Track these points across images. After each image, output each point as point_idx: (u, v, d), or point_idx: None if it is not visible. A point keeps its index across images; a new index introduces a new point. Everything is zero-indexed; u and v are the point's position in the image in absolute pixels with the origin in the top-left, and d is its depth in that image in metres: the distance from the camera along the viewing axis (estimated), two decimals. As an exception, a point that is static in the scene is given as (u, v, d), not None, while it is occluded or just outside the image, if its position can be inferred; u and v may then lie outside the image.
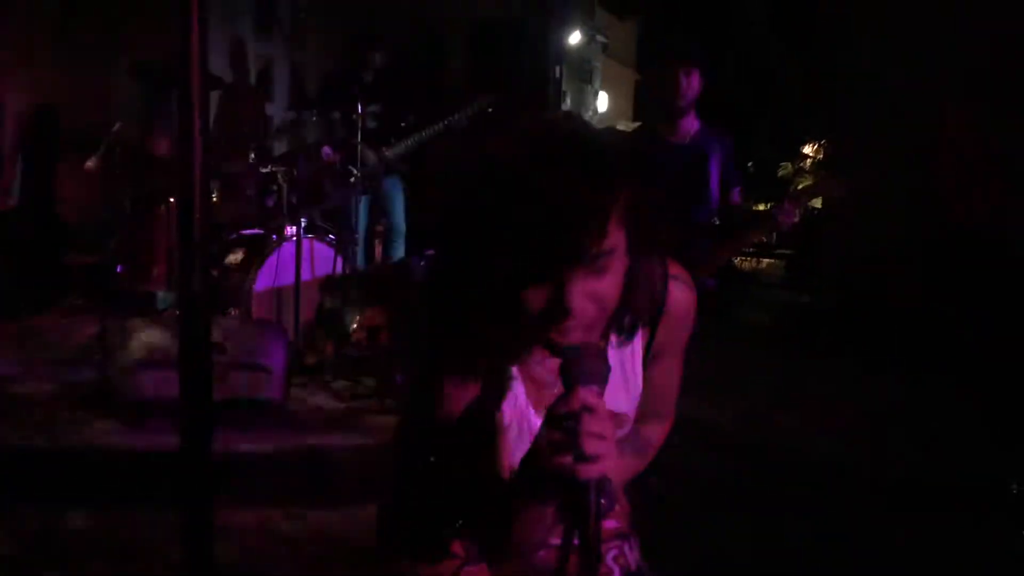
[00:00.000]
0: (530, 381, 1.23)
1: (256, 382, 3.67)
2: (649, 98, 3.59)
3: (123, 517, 3.11)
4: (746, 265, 12.68)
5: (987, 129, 5.65)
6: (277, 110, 6.91)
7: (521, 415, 1.22)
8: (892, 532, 3.42)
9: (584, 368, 1.01)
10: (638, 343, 1.28)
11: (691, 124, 3.42)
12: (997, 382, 4.79)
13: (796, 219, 3.20)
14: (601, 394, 1.01)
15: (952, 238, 5.68)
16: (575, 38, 17.29)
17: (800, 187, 3.33)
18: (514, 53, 7.69)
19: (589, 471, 0.96)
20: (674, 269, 1.25)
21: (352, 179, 5.06)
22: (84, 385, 4.05)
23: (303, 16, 5.25)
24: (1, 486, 3.22)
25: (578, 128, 1.09)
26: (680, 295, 1.26)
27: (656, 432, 1.44)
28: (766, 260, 14.02)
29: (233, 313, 4.63)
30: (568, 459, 0.96)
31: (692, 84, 3.32)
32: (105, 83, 6.06)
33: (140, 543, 2.96)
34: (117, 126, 4.27)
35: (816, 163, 16.81)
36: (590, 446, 0.96)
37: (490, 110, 5.35)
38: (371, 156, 5.16)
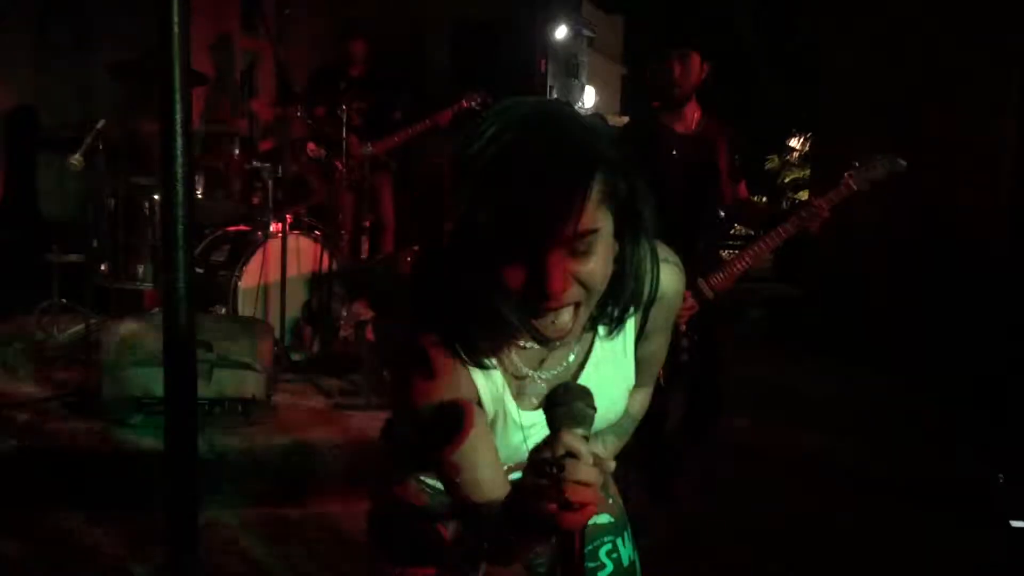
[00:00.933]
0: (509, 372, 1.22)
1: (241, 380, 3.65)
2: (649, 89, 3.40)
3: (108, 516, 3.10)
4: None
5: (966, 126, 5.68)
6: (262, 106, 6.88)
7: (504, 407, 1.22)
8: (879, 523, 3.44)
9: (569, 411, 0.99)
10: (629, 328, 1.27)
11: (694, 112, 3.32)
12: (982, 377, 4.82)
13: (827, 215, 3.02)
14: (587, 437, 0.99)
15: (936, 234, 5.71)
16: (561, 33, 17.30)
17: (851, 172, 3.03)
18: (499, 48, 7.68)
19: (573, 519, 0.94)
20: (663, 251, 1.23)
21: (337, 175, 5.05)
22: (69, 384, 4.02)
23: (288, 12, 5.21)
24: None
25: (557, 108, 1.09)
26: (671, 278, 1.25)
27: (637, 403, 1.43)
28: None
29: (219, 310, 4.61)
30: (552, 507, 0.95)
31: (691, 70, 3.23)
32: (84, 81, 6.02)
33: (125, 542, 2.96)
34: (100, 123, 4.23)
35: (803, 156, 16.84)
36: (575, 494, 0.94)
37: (475, 107, 5.34)
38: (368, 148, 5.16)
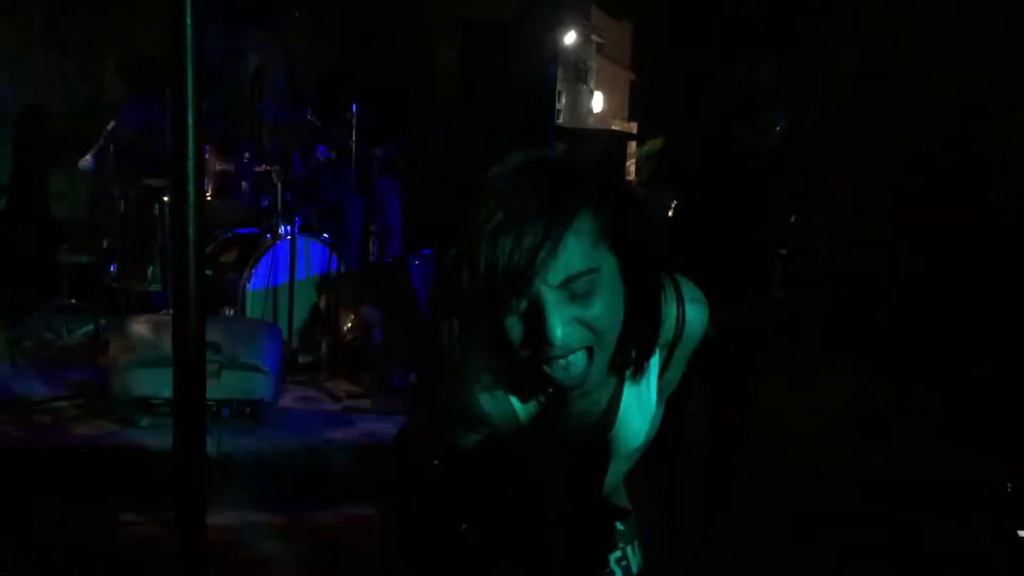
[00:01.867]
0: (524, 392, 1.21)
1: (250, 382, 3.66)
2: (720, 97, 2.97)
3: (117, 516, 3.11)
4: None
5: (975, 133, 5.67)
6: (271, 108, 6.89)
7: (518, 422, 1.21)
8: (886, 533, 3.43)
9: (576, 408, 0.99)
10: (653, 364, 1.23)
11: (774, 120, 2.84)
12: (987, 386, 4.80)
13: None
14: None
15: (943, 242, 5.69)
16: (570, 38, 17.30)
17: None
18: (508, 52, 7.67)
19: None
20: (688, 290, 1.21)
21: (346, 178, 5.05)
22: (78, 385, 4.04)
23: (297, 15, 5.23)
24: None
25: (540, 156, 1.09)
26: (696, 317, 1.23)
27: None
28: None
29: (227, 312, 4.62)
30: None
31: (762, 69, 2.80)
32: (96, 82, 6.04)
33: (133, 542, 2.96)
34: (112, 124, 4.25)
35: None
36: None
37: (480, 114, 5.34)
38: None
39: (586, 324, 1.04)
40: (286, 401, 4.03)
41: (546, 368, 1.05)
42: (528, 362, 1.05)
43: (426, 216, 5.19)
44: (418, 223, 5.89)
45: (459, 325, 1.08)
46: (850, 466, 4.13)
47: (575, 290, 1.02)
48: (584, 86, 27.15)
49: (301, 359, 4.68)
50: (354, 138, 4.98)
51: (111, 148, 4.28)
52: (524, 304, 1.02)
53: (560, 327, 1.01)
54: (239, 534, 3.08)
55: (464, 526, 1.29)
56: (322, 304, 4.87)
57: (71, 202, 5.96)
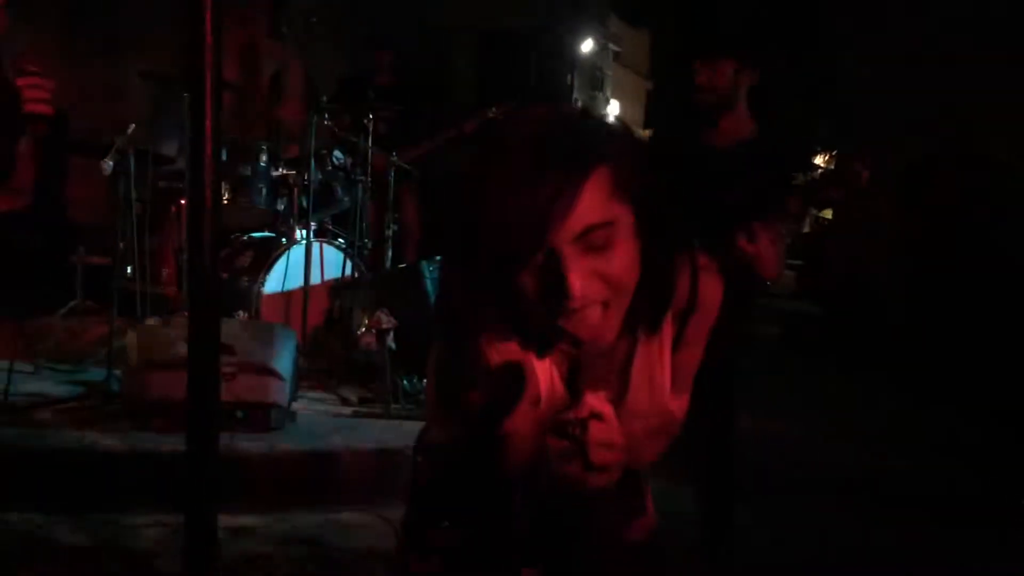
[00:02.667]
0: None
1: (263, 386, 3.66)
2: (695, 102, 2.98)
3: (128, 519, 3.12)
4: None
5: (989, 141, 5.64)
6: (288, 114, 6.93)
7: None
8: (903, 546, 3.40)
9: (591, 373, 0.99)
10: (666, 338, 1.22)
11: (738, 126, 2.89)
12: (1004, 395, 4.77)
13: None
14: (610, 399, 0.98)
15: (959, 250, 5.66)
16: (587, 46, 17.31)
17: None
18: (525, 60, 7.69)
19: (597, 481, 0.94)
20: (703, 260, 1.20)
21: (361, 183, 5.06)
22: (92, 386, 4.05)
23: (314, 21, 5.26)
24: (7, 487, 3.22)
25: (559, 109, 1.09)
26: (710, 288, 1.21)
27: (676, 406, 1.38)
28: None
29: (242, 316, 4.63)
30: (575, 468, 0.94)
31: (719, 77, 2.82)
32: (114, 86, 6.08)
33: (145, 545, 2.97)
34: (131, 128, 4.26)
35: (826, 172, 16.68)
36: (597, 455, 0.93)
37: (500, 118, 5.34)
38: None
39: (603, 277, 1.03)
40: (298, 406, 4.03)
41: (562, 321, 1.04)
42: (544, 317, 1.04)
43: (440, 223, 5.20)
44: (432, 229, 5.90)
45: (473, 281, 1.06)
46: (863, 478, 4.10)
47: (593, 243, 1.01)
48: (600, 94, 27.19)
49: (314, 364, 4.69)
50: (370, 143, 5.00)
51: (129, 151, 4.30)
52: (541, 257, 1.01)
53: (579, 280, 1.00)
54: (250, 537, 3.08)
55: (446, 523, 1.27)
56: (336, 309, 4.88)
57: (89, 204, 5.99)
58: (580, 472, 0.93)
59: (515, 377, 1.09)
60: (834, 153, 15.14)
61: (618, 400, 1.17)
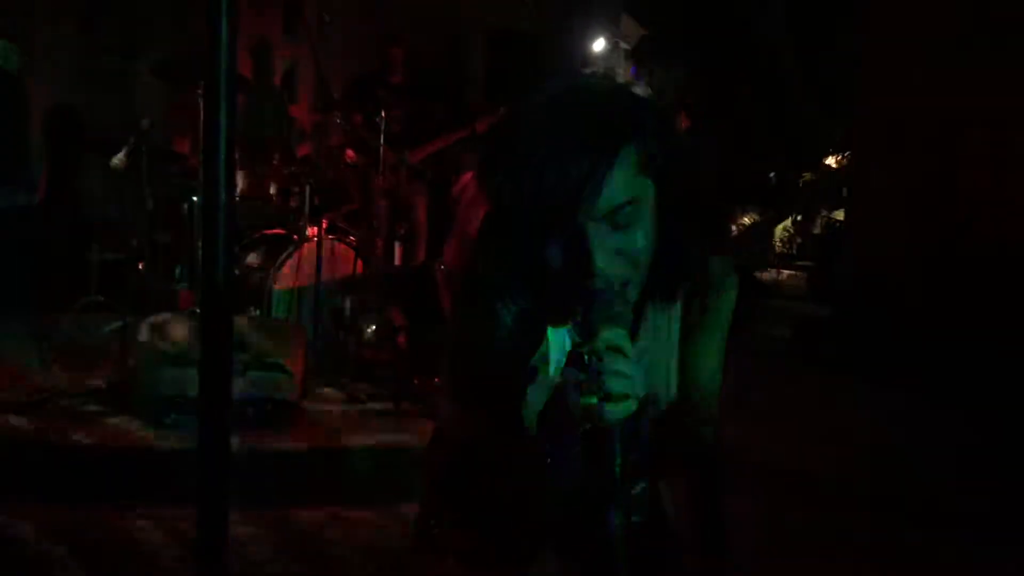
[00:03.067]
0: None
1: (274, 382, 3.68)
2: None
3: (140, 513, 3.13)
4: (767, 277, 12.61)
5: (1005, 146, 5.61)
6: (301, 112, 6.95)
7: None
8: (904, 550, 3.39)
9: (609, 308, 0.98)
10: (676, 314, 1.21)
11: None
12: (1012, 399, 4.74)
13: None
14: (626, 336, 0.98)
15: (973, 254, 5.63)
16: (599, 45, 17.28)
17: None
18: (536, 59, 7.69)
19: (614, 412, 0.94)
20: (718, 243, 1.21)
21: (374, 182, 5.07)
22: (104, 381, 4.07)
23: (327, 19, 5.27)
24: (19, 481, 3.24)
25: (586, 82, 1.10)
26: (719, 269, 1.21)
27: (704, 429, 1.30)
28: (787, 272, 13.94)
29: (254, 312, 4.65)
30: (592, 400, 0.94)
31: (664, 86, 2.85)
32: (130, 81, 6.11)
33: (155, 539, 2.98)
34: (145, 123, 4.29)
35: (834, 174, 16.58)
36: (615, 385, 0.94)
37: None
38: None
39: (626, 255, 1.03)
40: (308, 402, 4.04)
41: (582, 288, 1.04)
42: (566, 289, 1.04)
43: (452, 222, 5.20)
44: (443, 228, 5.90)
45: (498, 253, 1.06)
46: (865, 479, 4.09)
47: (617, 221, 1.02)
48: (612, 94, 27.14)
49: (325, 360, 4.70)
50: (382, 142, 5.01)
51: (142, 147, 4.32)
52: (566, 234, 1.01)
53: (602, 259, 1.01)
54: (260, 533, 3.10)
55: (435, 525, 1.26)
56: (346, 306, 4.89)
57: (103, 200, 6.03)
58: (597, 404, 0.92)
59: (534, 347, 1.10)
60: (846, 155, 15.05)
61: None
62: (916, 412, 5.08)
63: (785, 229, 11.33)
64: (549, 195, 0.99)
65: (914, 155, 6.04)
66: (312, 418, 3.90)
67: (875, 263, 6.24)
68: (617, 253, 1.03)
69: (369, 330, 4.87)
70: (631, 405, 0.93)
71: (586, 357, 0.94)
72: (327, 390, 4.37)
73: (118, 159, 4.17)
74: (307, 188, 4.90)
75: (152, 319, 3.85)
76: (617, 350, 0.94)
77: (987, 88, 5.70)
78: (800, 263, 13.85)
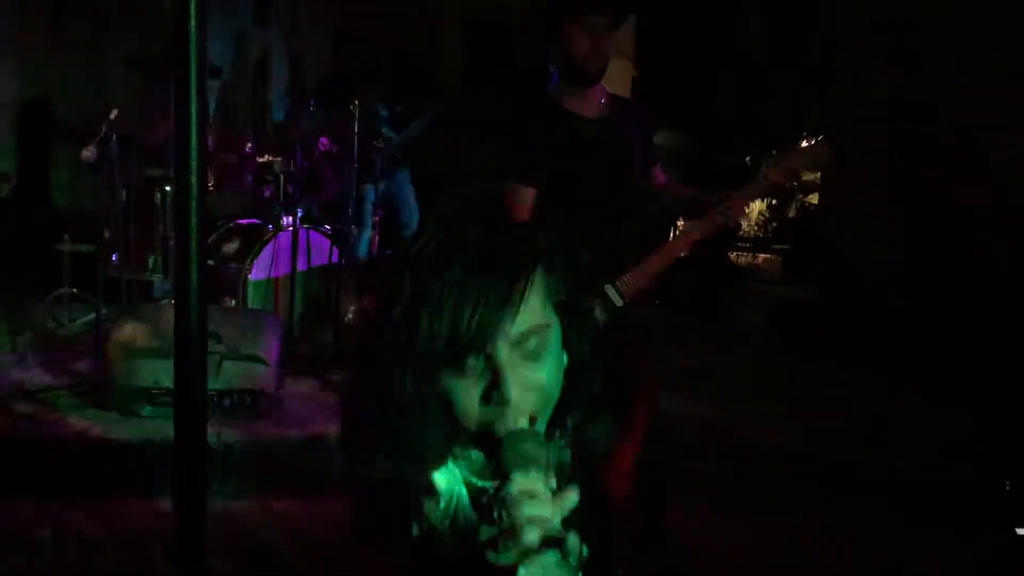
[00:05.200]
0: None
1: (250, 372, 3.67)
2: (552, 64, 2.90)
3: (117, 506, 3.12)
4: (742, 260, 12.66)
5: (981, 130, 5.65)
6: (274, 100, 6.89)
7: None
8: (883, 530, 3.43)
9: (519, 455, 0.93)
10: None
11: (600, 93, 2.75)
12: (989, 381, 4.79)
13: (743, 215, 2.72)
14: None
15: (947, 237, 5.69)
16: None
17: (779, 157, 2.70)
18: (512, 49, 7.67)
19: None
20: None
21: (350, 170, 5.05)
22: (79, 374, 4.04)
23: (301, 8, 5.24)
24: (-4, 474, 3.22)
25: (492, 202, 1.13)
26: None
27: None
28: (763, 256, 13.98)
29: (229, 303, 4.62)
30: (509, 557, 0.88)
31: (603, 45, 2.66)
32: (99, 72, 6.04)
33: (133, 531, 2.97)
34: (114, 114, 4.24)
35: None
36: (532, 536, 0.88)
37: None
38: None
39: (537, 389, 1.00)
40: (285, 392, 4.03)
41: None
42: (481, 417, 1.00)
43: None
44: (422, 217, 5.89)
45: (416, 377, 1.03)
46: (846, 461, 4.14)
47: (527, 348, 0.99)
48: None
49: (301, 350, 4.69)
50: (357, 130, 4.99)
51: (113, 138, 4.28)
52: (480, 363, 0.98)
53: (513, 390, 0.98)
54: (238, 524, 3.09)
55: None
56: (323, 296, 4.88)
57: (73, 191, 5.96)
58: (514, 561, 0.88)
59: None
60: (820, 138, 15.12)
61: None
62: (894, 395, 5.13)
63: (760, 213, 11.35)
64: (468, 322, 0.96)
65: (887, 141, 6.08)
66: (289, 408, 3.89)
67: (849, 247, 6.29)
68: (528, 387, 0.99)
69: (345, 319, 4.86)
70: (553, 556, 0.84)
71: (498, 508, 0.88)
72: (304, 380, 4.36)
73: (88, 151, 4.12)
74: (282, 177, 4.88)
75: (126, 311, 3.83)
76: (533, 495, 0.87)
77: (960, 74, 5.74)
78: (775, 246, 13.90)
